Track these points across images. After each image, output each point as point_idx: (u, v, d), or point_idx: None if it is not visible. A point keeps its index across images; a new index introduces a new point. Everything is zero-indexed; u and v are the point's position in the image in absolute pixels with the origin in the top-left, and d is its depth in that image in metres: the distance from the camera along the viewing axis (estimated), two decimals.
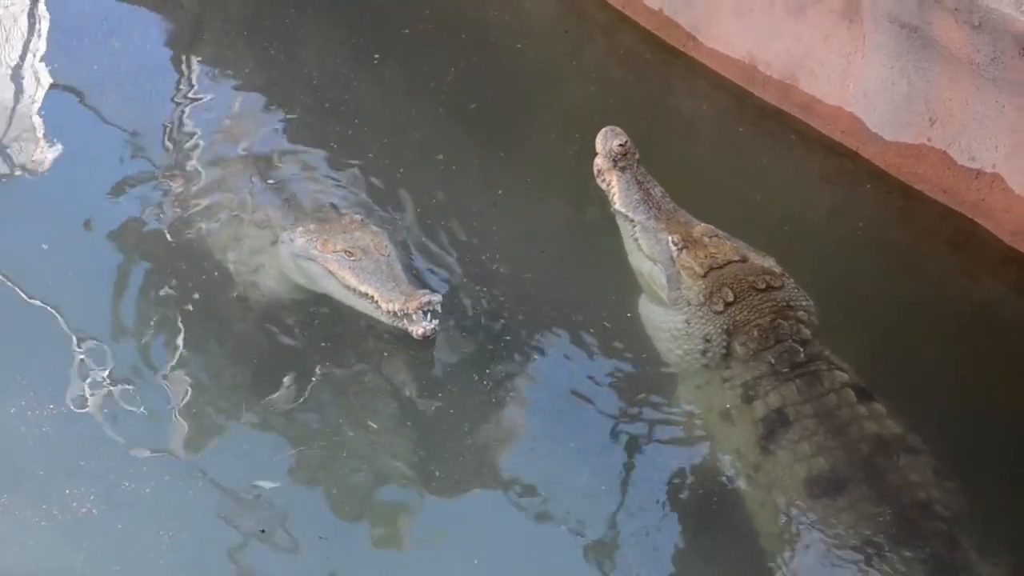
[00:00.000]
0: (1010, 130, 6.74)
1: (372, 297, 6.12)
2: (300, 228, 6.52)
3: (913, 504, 5.38)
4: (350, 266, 6.24)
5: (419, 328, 6.01)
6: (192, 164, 7.32)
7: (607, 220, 6.61)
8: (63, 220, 6.98)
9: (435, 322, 6.05)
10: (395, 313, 6.02)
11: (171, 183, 7.18)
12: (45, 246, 6.75)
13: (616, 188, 6.46)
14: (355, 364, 6.37)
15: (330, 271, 6.30)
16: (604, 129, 6.56)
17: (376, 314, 6.16)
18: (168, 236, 6.87)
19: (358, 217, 6.67)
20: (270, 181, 7.00)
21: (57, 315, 6.46)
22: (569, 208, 7.23)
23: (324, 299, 6.50)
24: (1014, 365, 6.42)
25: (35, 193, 7.18)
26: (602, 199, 6.60)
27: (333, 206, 6.86)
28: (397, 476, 5.95)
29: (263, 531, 5.60)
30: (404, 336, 6.14)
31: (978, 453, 5.88)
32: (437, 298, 6.02)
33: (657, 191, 6.47)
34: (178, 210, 6.97)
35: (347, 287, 6.24)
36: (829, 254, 7.06)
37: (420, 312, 5.98)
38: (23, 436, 5.89)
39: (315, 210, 6.80)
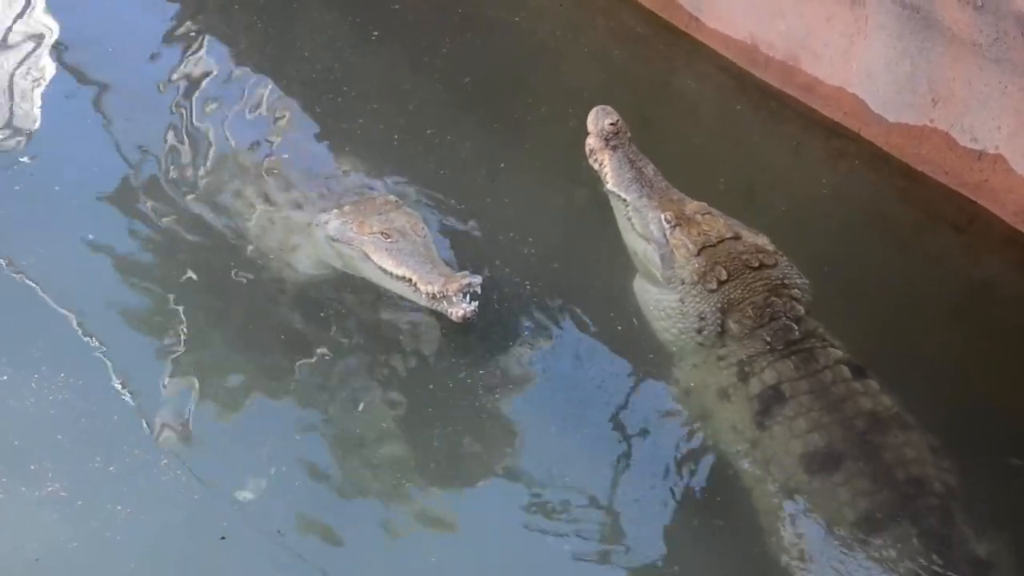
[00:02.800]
0: (1013, 111, 6.80)
1: (410, 280, 6.14)
2: (335, 210, 6.55)
3: (909, 480, 5.48)
4: (387, 248, 6.26)
5: (459, 310, 6.03)
6: (203, 144, 7.41)
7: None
8: (70, 200, 7.07)
9: (475, 304, 6.06)
10: (434, 295, 6.04)
11: (180, 161, 7.26)
12: (91, 236, 6.84)
13: (608, 167, 6.52)
14: (349, 353, 6.43)
15: (366, 254, 6.32)
16: (595, 108, 6.62)
17: (414, 296, 6.19)
18: (176, 216, 6.97)
19: (392, 198, 6.68)
20: (286, 158, 7.07)
21: (60, 293, 6.54)
22: (570, 188, 7.31)
23: (350, 281, 6.56)
24: (1016, 344, 6.50)
25: (37, 172, 7.23)
26: (598, 179, 6.66)
27: (367, 187, 6.89)
28: (382, 465, 6.01)
29: (223, 538, 5.57)
30: (441, 318, 6.19)
31: (979, 431, 5.98)
32: (477, 280, 6.04)
33: (649, 169, 6.53)
34: (189, 190, 7.06)
35: (384, 270, 6.26)
36: (831, 235, 7.14)
37: (460, 294, 6.01)
38: (15, 410, 5.99)
39: (348, 191, 6.82)
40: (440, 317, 6.26)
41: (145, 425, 5.97)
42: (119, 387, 6.12)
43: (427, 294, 6.07)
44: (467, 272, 6.10)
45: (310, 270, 6.63)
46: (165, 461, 5.80)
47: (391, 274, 6.23)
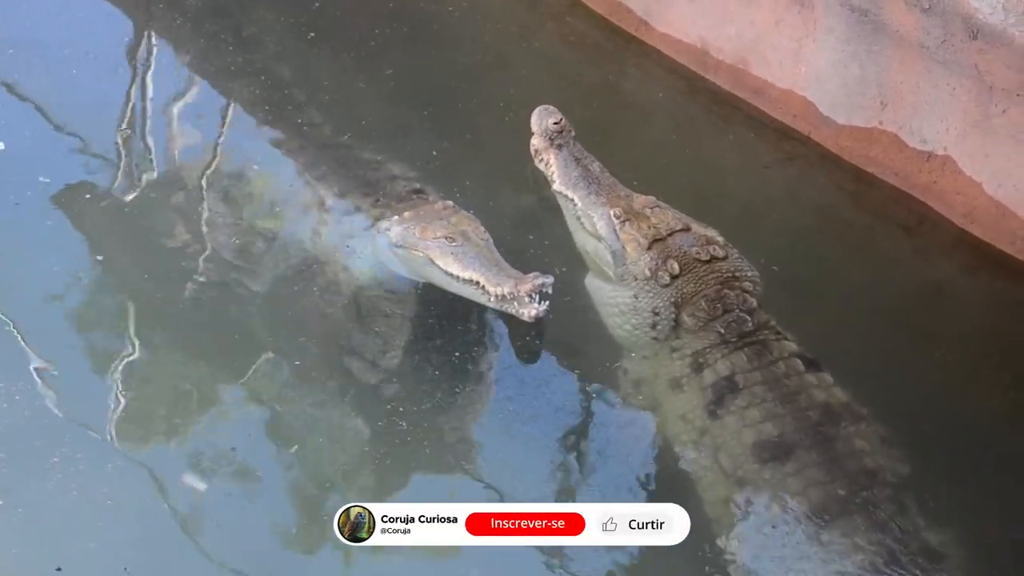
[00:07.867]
0: (960, 113, 6.97)
1: (478, 282, 6.27)
2: (395, 217, 6.69)
3: (861, 470, 5.64)
4: (452, 252, 6.39)
5: (531, 310, 6.14)
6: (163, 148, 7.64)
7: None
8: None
9: (546, 303, 6.18)
10: (503, 297, 6.18)
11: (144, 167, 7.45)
12: (100, 257, 6.94)
13: (554, 167, 6.66)
14: (304, 363, 6.52)
15: (431, 259, 6.45)
16: (538, 108, 6.77)
17: (481, 299, 6.31)
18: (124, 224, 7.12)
19: (450, 203, 6.79)
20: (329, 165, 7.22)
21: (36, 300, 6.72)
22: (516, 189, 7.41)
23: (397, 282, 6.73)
24: (965, 345, 6.70)
25: None
26: (544, 182, 6.82)
27: (419, 192, 7.01)
28: (334, 473, 6.13)
29: (58, 569, 5.59)
30: (507, 317, 6.34)
31: (930, 430, 6.15)
32: (549, 280, 6.14)
33: (595, 166, 6.67)
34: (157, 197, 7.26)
35: (450, 274, 6.39)
36: (782, 238, 7.28)
37: (532, 294, 6.13)
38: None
39: (401, 197, 6.96)
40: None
41: (59, 424, 6.09)
42: (46, 383, 6.25)
43: (496, 296, 6.21)
44: (538, 272, 6.20)
45: (368, 274, 6.77)
46: (56, 460, 5.90)
47: (457, 278, 6.37)
